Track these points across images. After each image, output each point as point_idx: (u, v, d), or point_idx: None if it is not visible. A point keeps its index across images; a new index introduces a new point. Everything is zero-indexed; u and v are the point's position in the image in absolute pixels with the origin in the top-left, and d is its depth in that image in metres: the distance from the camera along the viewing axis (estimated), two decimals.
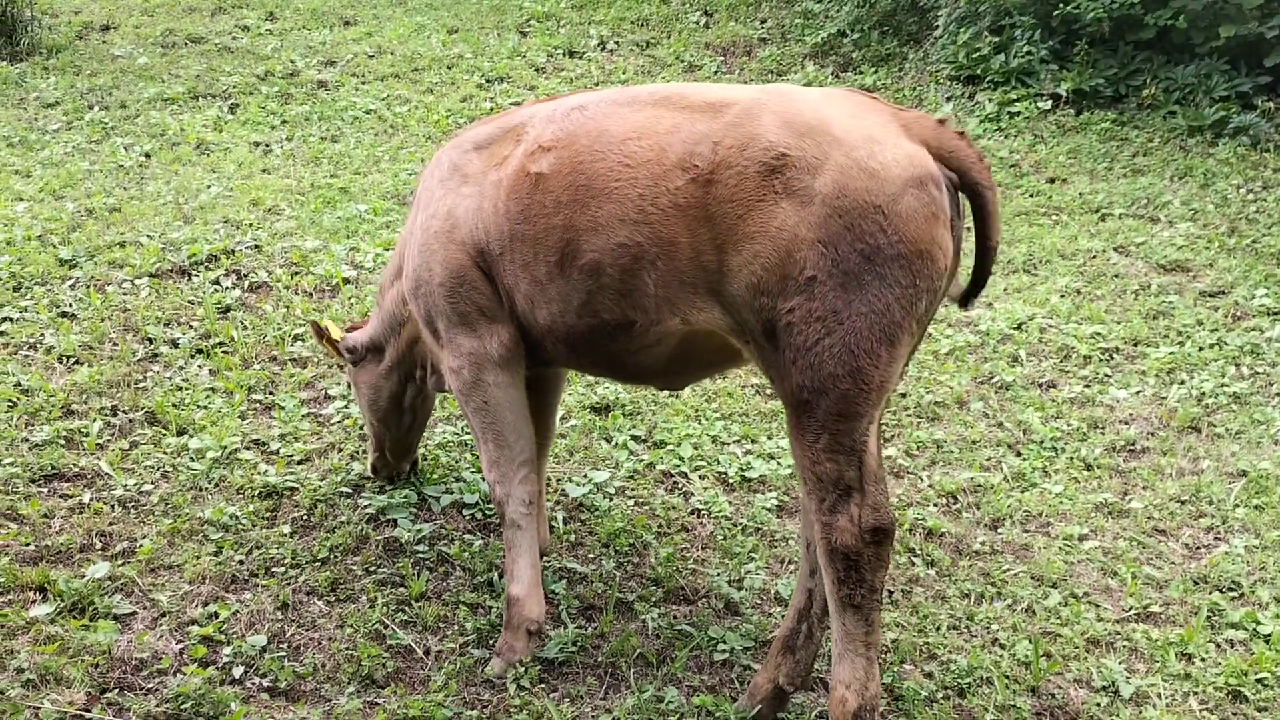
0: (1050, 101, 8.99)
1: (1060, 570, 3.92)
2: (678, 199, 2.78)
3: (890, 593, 3.76)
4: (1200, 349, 5.51)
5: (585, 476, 4.29)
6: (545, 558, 3.71)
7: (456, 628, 3.41)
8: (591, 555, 3.85)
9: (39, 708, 2.93)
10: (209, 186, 7.06)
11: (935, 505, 4.30)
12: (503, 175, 3.13)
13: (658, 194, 2.81)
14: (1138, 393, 5.20)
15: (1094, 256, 6.70)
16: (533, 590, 3.33)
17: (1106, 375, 5.35)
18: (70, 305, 5.27)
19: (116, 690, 3.04)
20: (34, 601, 3.35)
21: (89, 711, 2.93)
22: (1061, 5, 9.07)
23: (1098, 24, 8.97)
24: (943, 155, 2.68)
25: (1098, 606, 3.76)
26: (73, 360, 4.82)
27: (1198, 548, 4.14)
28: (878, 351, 2.60)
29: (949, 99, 9.35)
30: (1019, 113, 8.93)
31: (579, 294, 2.98)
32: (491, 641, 3.38)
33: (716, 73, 10.19)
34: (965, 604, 3.73)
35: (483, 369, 3.31)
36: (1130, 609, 3.75)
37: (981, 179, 2.69)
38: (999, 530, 4.18)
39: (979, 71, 9.42)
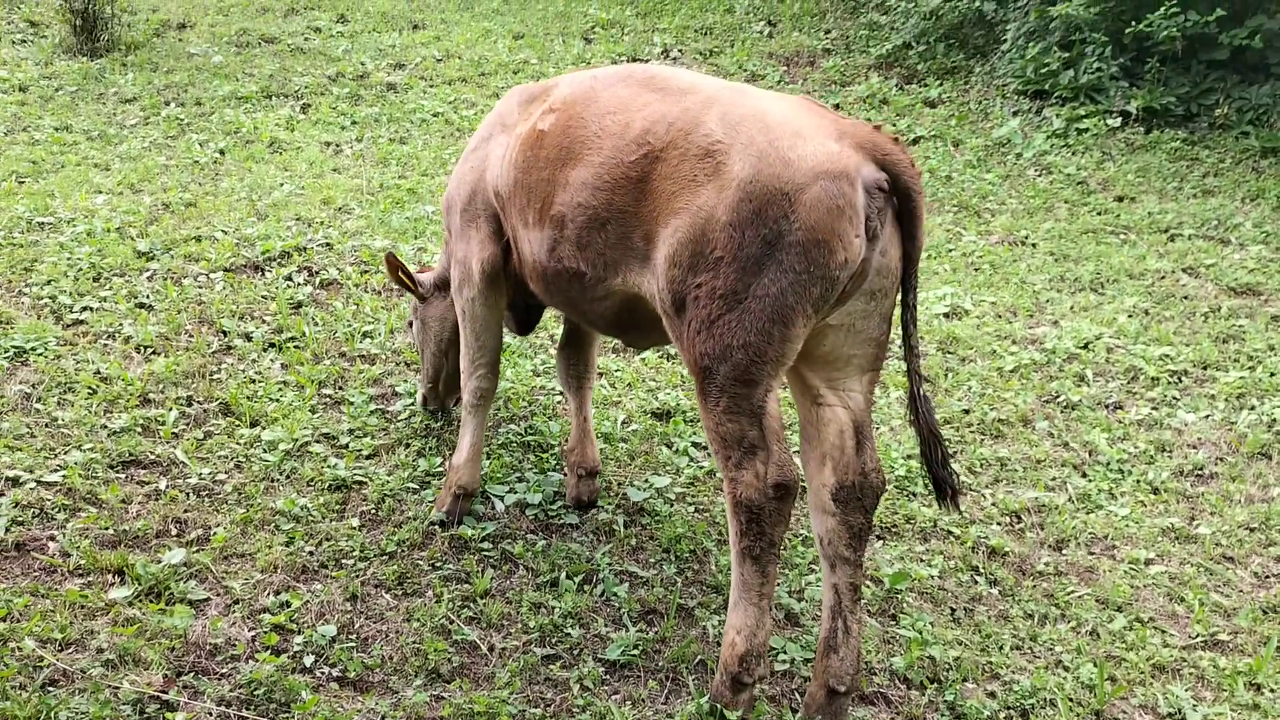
0: (1120, 119, 8.89)
1: (1126, 594, 3.88)
2: (630, 171, 3.07)
3: (953, 610, 3.75)
4: (1272, 374, 5.41)
5: (646, 481, 4.32)
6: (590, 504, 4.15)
7: (520, 625, 3.46)
8: (653, 560, 3.88)
9: (118, 688, 3.01)
10: (281, 184, 7.20)
11: (998, 524, 4.27)
12: (523, 130, 3.54)
13: (615, 164, 3.11)
14: (1206, 417, 5.12)
15: (1163, 277, 6.61)
16: (469, 463, 3.94)
17: (1175, 398, 5.27)
18: (148, 297, 5.41)
19: (192, 674, 3.12)
20: (113, 584, 3.44)
21: (166, 693, 3.01)
22: (1134, 23, 8.96)
23: (1171, 42, 8.85)
24: (877, 159, 2.85)
25: (1164, 632, 3.72)
26: (150, 350, 4.95)
27: (1267, 576, 4.07)
28: (771, 330, 2.82)
29: (1015, 113, 9.28)
30: (1087, 129, 8.83)
31: (548, 240, 3.36)
32: (554, 640, 3.42)
33: (780, 82, 10.19)
34: (1029, 624, 3.71)
35: (468, 281, 3.90)
36: (1197, 636, 3.70)
37: (912, 183, 2.87)
38: (1063, 551, 4.14)
39: (1047, 87, 9.33)
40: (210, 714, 2.98)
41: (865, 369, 3.08)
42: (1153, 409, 5.16)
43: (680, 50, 10.81)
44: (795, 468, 2.93)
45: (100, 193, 6.84)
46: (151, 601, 3.40)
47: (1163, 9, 8.75)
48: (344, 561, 3.68)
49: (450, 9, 11.93)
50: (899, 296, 3.05)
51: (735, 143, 2.87)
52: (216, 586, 3.51)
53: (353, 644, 3.31)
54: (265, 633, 3.29)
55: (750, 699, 3.10)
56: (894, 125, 9.34)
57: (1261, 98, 8.68)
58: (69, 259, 5.67)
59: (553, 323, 5.57)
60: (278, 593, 3.49)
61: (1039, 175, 8.41)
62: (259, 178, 7.32)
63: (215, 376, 4.79)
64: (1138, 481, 4.60)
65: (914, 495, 4.40)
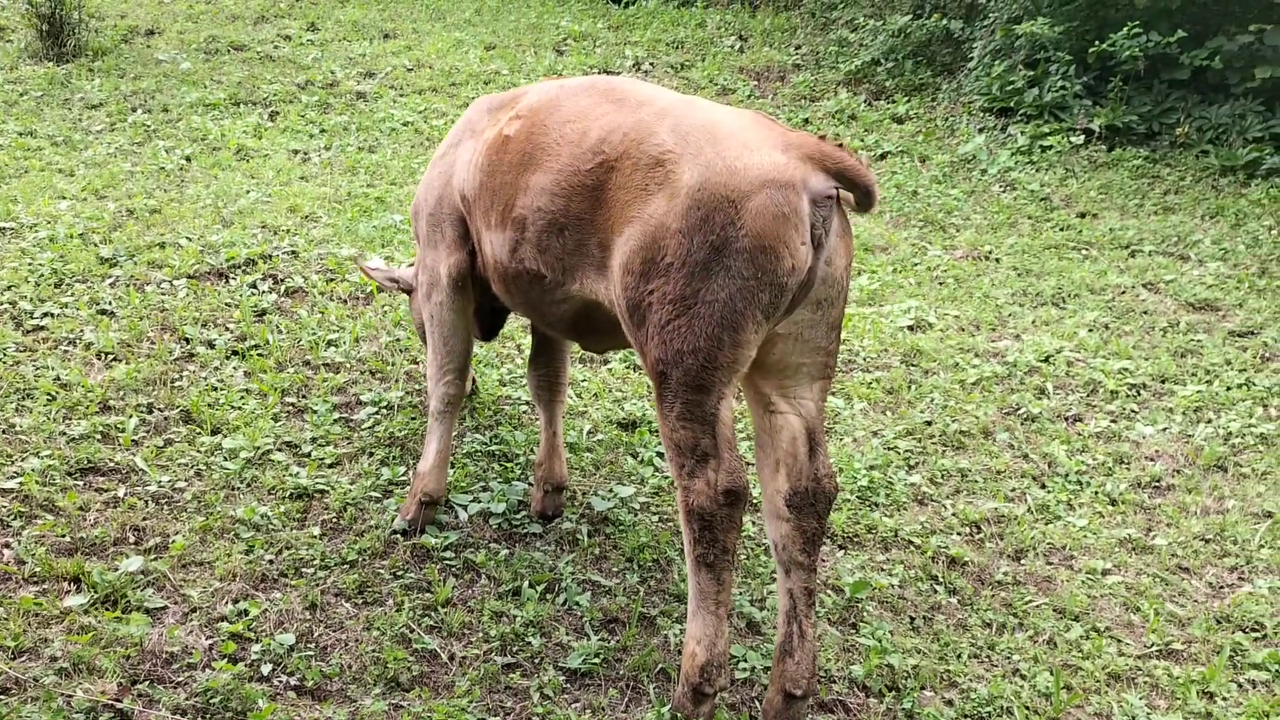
0: (1083, 136, 9.02)
1: (1083, 604, 3.92)
2: (586, 180, 3.14)
3: (912, 619, 3.78)
4: (1228, 388, 5.50)
5: (611, 491, 4.33)
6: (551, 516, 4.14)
7: (481, 635, 3.45)
8: (616, 569, 3.88)
9: (71, 696, 2.98)
10: (248, 192, 7.16)
11: (959, 534, 4.31)
12: (490, 135, 3.61)
13: (573, 172, 3.18)
14: (1164, 430, 5.19)
15: (1123, 292, 6.70)
16: (435, 470, 3.94)
17: (1133, 411, 5.35)
18: (110, 303, 5.36)
19: (147, 682, 3.09)
20: (69, 592, 3.41)
21: (120, 702, 2.98)
22: (1098, 42, 9.11)
23: (1133, 61, 9.00)
24: (828, 167, 2.89)
25: (1120, 641, 3.77)
26: (111, 357, 4.90)
27: (1221, 587, 4.13)
28: (721, 336, 2.87)
29: (981, 130, 9.39)
30: (1051, 146, 8.95)
31: (510, 241, 3.45)
32: (515, 649, 3.41)
33: (750, 97, 10.26)
34: (987, 633, 3.74)
35: (436, 286, 3.94)
36: (1152, 645, 3.75)
37: (868, 180, 2.91)
38: (1022, 561, 4.19)
39: (1012, 104, 9.46)
40: None
41: (816, 377, 3.13)
42: (1111, 422, 5.24)
43: (652, 64, 10.87)
44: (744, 474, 2.98)
45: (64, 198, 6.78)
46: (108, 609, 3.36)
47: (1125, 29, 8.90)
48: (304, 570, 3.66)
49: (422, 19, 11.93)
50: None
51: (685, 152, 2.94)
52: (174, 595, 3.48)
53: (311, 653, 3.29)
54: (223, 641, 3.27)
55: (711, 709, 3.11)
56: (862, 140, 9.43)
57: (1221, 117, 8.84)
58: (30, 264, 5.62)
59: (520, 333, 5.58)
60: (236, 601, 3.47)
61: (1003, 191, 8.52)
62: (225, 185, 7.28)
63: (177, 384, 4.76)
64: (1096, 493, 4.66)
65: (876, 505, 4.44)
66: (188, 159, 7.91)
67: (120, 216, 6.51)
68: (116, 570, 3.50)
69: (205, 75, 9.76)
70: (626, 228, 2.99)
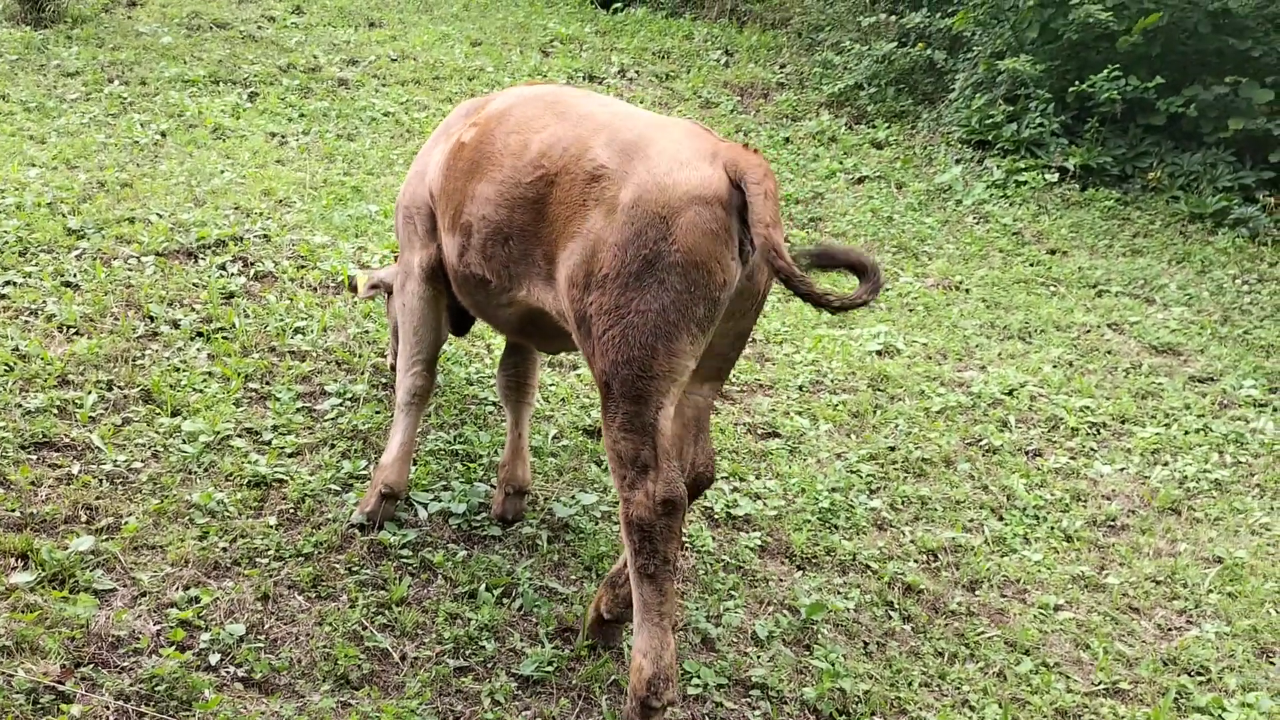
0: (1057, 174, 9.14)
1: (1034, 638, 3.96)
2: (528, 192, 3.21)
3: (866, 644, 3.79)
4: (1186, 433, 5.58)
5: (573, 498, 4.31)
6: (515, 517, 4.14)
7: (434, 635, 3.42)
8: (574, 577, 3.86)
9: (12, 675, 2.91)
10: (222, 171, 7.07)
11: (915, 561, 4.34)
12: (456, 139, 3.67)
13: (515, 184, 3.25)
14: (1122, 470, 5.26)
15: (1088, 331, 6.79)
16: (397, 463, 3.91)
17: (1092, 449, 5.41)
18: (75, 276, 5.27)
19: (91, 665, 3.03)
20: (15, 568, 3.33)
21: (62, 684, 2.92)
22: (1078, 82, 9.23)
23: (1111, 104, 9.14)
24: (734, 169, 2.93)
25: (1068, 678, 3.80)
26: (73, 331, 4.82)
27: (1169, 629, 4.19)
28: (655, 345, 2.92)
29: (958, 161, 9.49)
30: (1025, 182, 9.06)
31: (458, 246, 3.54)
32: (468, 652, 3.39)
33: (732, 112, 10.30)
34: (939, 662, 3.76)
35: (409, 277, 3.97)
36: (1100, 683, 3.79)
37: (751, 176, 2.89)
38: (976, 592, 4.22)
39: (990, 137, 9.57)
40: (108, 708, 2.90)
41: (710, 378, 3.24)
42: (1071, 458, 5.30)
43: (637, 71, 10.87)
44: (681, 484, 3.01)
45: (34, 166, 6.66)
46: (55, 589, 3.29)
47: (1106, 71, 9.04)
48: (258, 560, 3.61)
49: (409, 10, 11.86)
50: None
51: (618, 168, 3.00)
52: (124, 577, 3.42)
53: (261, 644, 3.24)
54: (171, 628, 3.21)
55: None
56: (840, 163, 9.49)
57: (1193, 165, 9.00)
58: None
59: (490, 332, 5.55)
60: (187, 587, 3.41)
61: (977, 223, 8.60)
62: (200, 163, 7.19)
63: (139, 362, 4.68)
64: (1052, 528, 4.71)
65: (836, 528, 4.46)
66: (163, 134, 7.80)
67: (91, 188, 6.40)
68: (66, 549, 3.43)
69: (186, 51, 9.63)
70: (569, 243, 3.07)
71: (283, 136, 8.21)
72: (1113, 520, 4.86)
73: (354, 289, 4.74)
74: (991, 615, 4.09)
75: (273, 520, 3.83)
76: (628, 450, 2.98)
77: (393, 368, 4.78)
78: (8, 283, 5.09)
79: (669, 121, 3.19)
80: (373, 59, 10.10)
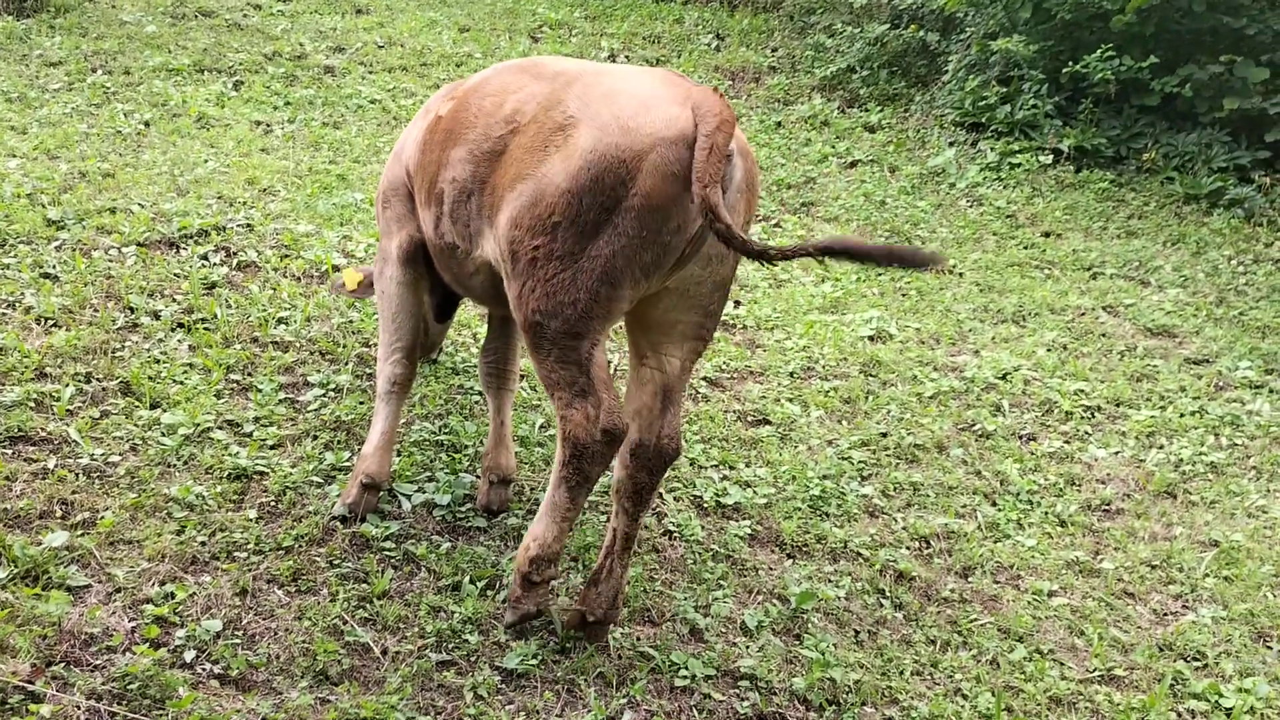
0: (1051, 156, 9.05)
1: (1028, 625, 3.90)
2: (496, 146, 3.19)
3: (857, 632, 3.74)
4: (1181, 415, 5.52)
5: None
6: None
7: (416, 629, 3.35)
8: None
9: None
10: (206, 161, 6.98)
11: (908, 548, 4.28)
12: (433, 116, 3.65)
13: (484, 139, 3.23)
14: (1116, 453, 5.20)
15: (1083, 314, 6.72)
16: (379, 452, 3.85)
17: (1087, 433, 5.35)
18: (54, 267, 5.19)
19: (63, 664, 2.96)
20: None
21: (32, 683, 2.85)
22: (1071, 63, 9.14)
23: (1105, 85, 9.04)
24: (697, 111, 2.85)
25: (1062, 665, 3.75)
26: (51, 323, 4.74)
27: (1165, 614, 4.13)
28: (598, 290, 2.94)
29: (952, 144, 9.40)
30: (1019, 164, 8.98)
31: (433, 217, 3.53)
32: (451, 645, 3.32)
33: (724, 96, 10.19)
34: (931, 650, 3.71)
35: (388, 262, 3.92)
36: (1094, 670, 3.74)
37: (704, 125, 2.79)
38: (969, 579, 4.16)
39: (984, 120, 9.47)
40: (79, 707, 2.83)
41: (689, 337, 3.22)
42: (1065, 442, 5.23)
43: (627, 56, 10.77)
44: (623, 417, 3.09)
45: (14, 156, 6.56)
46: (27, 585, 3.23)
47: (1099, 52, 8.94)
48: (237, 554, 3.54)
49: None
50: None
51: (584, 116, 2.97)
52: (99, 573, 3.35)
53: (238, 640, 3.18)
54: (146, 624, 3.15)
55: (541, 595, 3.31)
56: (833, 147, 9.40)
57: (1187, 145, 8.91)
58: None
59: (477, 321, 5.48)
60: (163, 583, 3.34)
61: (970, 206, 8.53)
62: (183, 152, 7.09)
63: (118, 354, 4.60)
64: (1046, 513, 4.65)
65: (827, 515, 4.39)
66: (146, 124, 7.70)
67: (72, 178, 6.31)
68: (40, 545, 3.36)
69: (170, 40, 9.52)
70: (519, 184, 3.03)
71: (268, 125, 8.11)
72: (1107, 505, 4.80)
73: (341, 286, 4.59)
74: (984, 602, 4.03)
75: (253, 513, 3.76)
76: (564, 377, 3.05)
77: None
78: None
79: (645, 71, 3.19)
80: (359, 46, 10.00)
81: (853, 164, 9.17)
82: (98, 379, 4.41)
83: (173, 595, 3.28)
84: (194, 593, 3.32)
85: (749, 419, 5.07)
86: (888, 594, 3.96)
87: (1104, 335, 6.44)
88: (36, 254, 5.29)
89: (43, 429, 4.02)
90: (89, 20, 9.77)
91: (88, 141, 7.12)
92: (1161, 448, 5.27)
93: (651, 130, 2.86)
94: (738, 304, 6.27)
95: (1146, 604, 4.18)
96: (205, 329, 4.92)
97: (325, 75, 9.31)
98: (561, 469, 3.12)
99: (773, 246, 2.80)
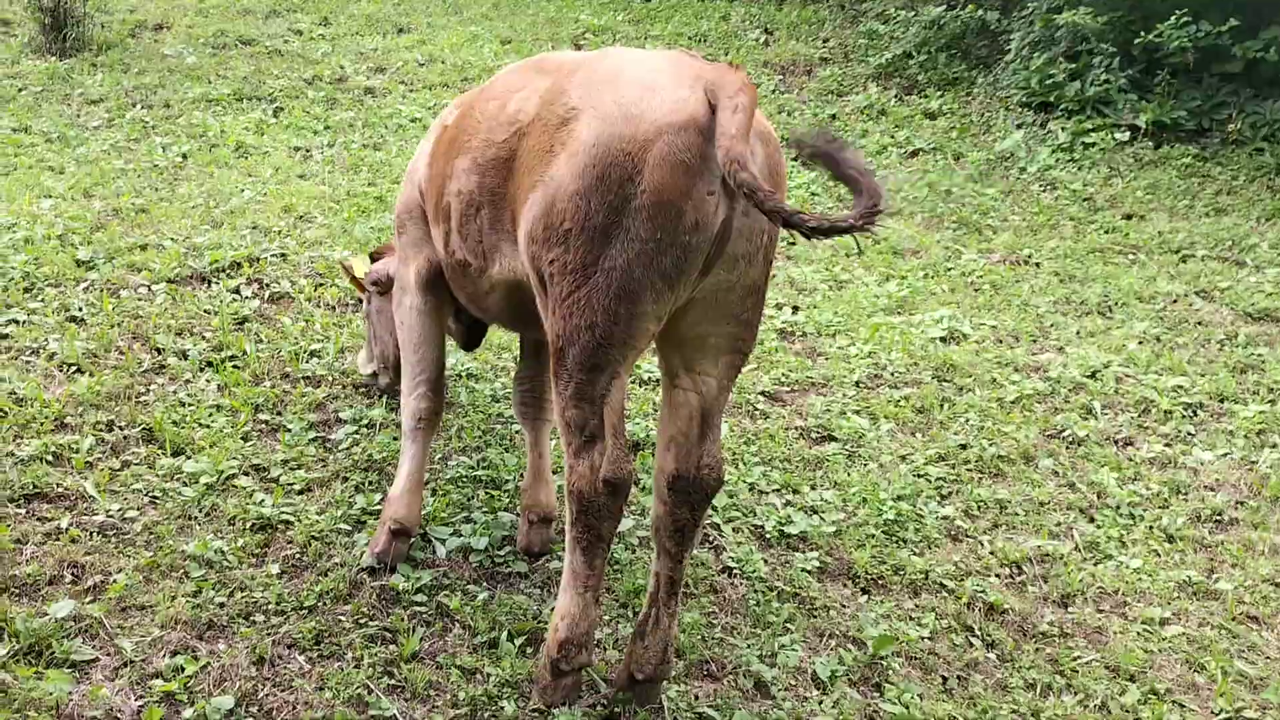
0: (1128, 133, 8.51)
1: (1139, 661, 3.45)
2: (502, 151, 2.92)
3: (944, 679, 3.32)
4: None
5: None
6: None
7: (449, 697, 3.03)
8: (608, 617, 3.45)
9: None
10: (242, 190, 6.80)
11: (997, 576, 3.85)
12: (440, 127, 3.45)
13: (487, 145, 2.98)
14: (1224, 455, 4.70)
15: (1175, 301, 6.20)
16: (406, 495, 3.55)
17: (1189, 434, 4.86)
18: (80, 310, 5.00)
19: None
20: None
21: None
22: (1143, 33, 8.58)
23: (1181, 54, 8.47)
24: (712, 90, 2.54)
25: (1183, 708, 3.30)
26: (74, 369, 4.53)
27: None
28: (615, 309, 2.60)
29: (1019, 126, 8.89)
30: (1094, 144, 8.44)
31: (442, 233, 3.29)
32: (487, 715, 2.99)
33: (774, 91, 9.81)
34: (1030, 697, 3.28)
35: (406, 290, 3.66)
36: (1221, 712, 3.28)
37: (725, 91, 2.50)
38: (1069, 608, 3.72)
39: (1052, 99, 8.95)
40: None
41: (724, 351, 2.85)
42: (1166, 446, 4.75)
43: None
44: (629, 464, 2.81)
45: (49, 197, 6.44)
46: (29, 662, 2.97)
47: (1174, 19, 8.39)
48: (255, 617, 3.25)
49: (437, 12, 11.56)
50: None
51: (586, 106, 2.66)
52: (107, 645, 3.08)
53: (252, 718, 2.88)
54: (153, 704, 2.87)
55: (570, 685, 2.98)
56: (892, 137, 8.95)
57: (1276, 112, 8.31)
58: (1, 267, 5.26)
59: (515, 343, 5.16)
60: (175, 653, 3.06)
61: (1043, 191, 8.01)
62: (219, 183, 6.92)
63: (142, 399, 4.38)
64: (1150, 528, 4.19)
65: (903, 542, 3.98)
66: (184, 156, 7.56)
67: (105, 216, 6.16)
68: (44, 616, 3.11)
69: (211, 70, 9.43)
70: (530, 194, 2.74)
71: (307, 150, 7.94)
72: (1219, 515, 4.31)
73: (354, 280, 4.44)
74: (1088, 635, 3.59)
75: (275, 568, 3.48)
76: (577, 419, 2.76)
77: (373, 375, 4.54)
78: (10, 321, 4.83)
79: (653, 52, 2.87)
80: (400, 65, 9.81)
81: (914, 153, 8.71)
82: (119, 426, 4.18)
83: (182, 669, 2.99)
84: (206, 664, 3.03)
85: (812, 436, 4.67)
86: (977, 631, 3.54)
87: (1200, 323, 5.91)
88: (64, 297, 5.11)
89: (59, 484, 3.79)
90: (130, 56, 9.73)
91: (124, 177, 6.99)
92: (1275, 446, 4.76)
93: (656, 117, 2.55)
94: (795, 309, 5.88)
95: (1273, 629, 3.70)
96: (234, 367, 4.68)
97: (365, 96, 9.13)
98: (571, 529, 2.85)
99: (806, 213, 2.40)
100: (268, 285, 5.47)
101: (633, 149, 2.54)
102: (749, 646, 3.36)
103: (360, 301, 5.07)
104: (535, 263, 2.75)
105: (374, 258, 4.48)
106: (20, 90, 8.78)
